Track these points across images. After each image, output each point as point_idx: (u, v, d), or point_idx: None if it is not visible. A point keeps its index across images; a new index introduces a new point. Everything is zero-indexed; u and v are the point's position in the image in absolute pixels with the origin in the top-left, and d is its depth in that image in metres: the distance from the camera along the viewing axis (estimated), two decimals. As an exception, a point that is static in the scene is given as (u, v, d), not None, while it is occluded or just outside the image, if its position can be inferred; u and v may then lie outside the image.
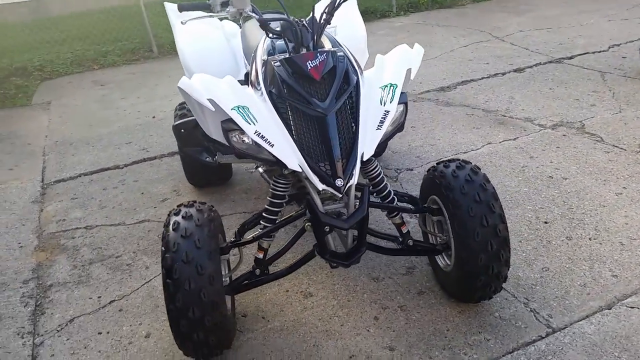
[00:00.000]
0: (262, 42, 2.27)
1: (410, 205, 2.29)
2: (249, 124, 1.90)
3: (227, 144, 2.01)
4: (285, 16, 2.10)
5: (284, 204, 2.17)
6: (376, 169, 2.17)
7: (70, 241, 3.07)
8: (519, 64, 5.27)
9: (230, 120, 1.92)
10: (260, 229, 2.15)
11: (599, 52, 5.38)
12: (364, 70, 2.16)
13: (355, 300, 2.38)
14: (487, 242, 1.97)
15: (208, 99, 1.92)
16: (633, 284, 2.30)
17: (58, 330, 2.39)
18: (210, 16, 2.12)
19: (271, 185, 2.14)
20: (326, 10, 2.14)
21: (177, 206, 2.04)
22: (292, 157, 1.89)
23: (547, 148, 3.55)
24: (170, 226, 1.91)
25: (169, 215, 2.00)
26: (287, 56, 1.99)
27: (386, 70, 2.08)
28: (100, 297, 2.58)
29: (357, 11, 3.25)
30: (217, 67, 2.97)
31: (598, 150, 3.44)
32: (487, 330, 2.14)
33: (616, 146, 3.47)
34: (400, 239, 2.25)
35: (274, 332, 2.25)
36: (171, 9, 3.18)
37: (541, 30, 6.39)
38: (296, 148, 1.89)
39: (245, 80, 2.55)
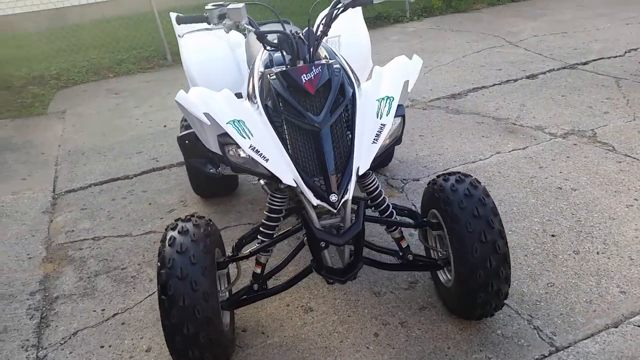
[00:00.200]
0: (259, 55, 2.27)
1: (409, 220, 2.26)
2: (244, 138, 1.89)
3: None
4: (282, 28, 2.10)
5: (282, 218, 2.16)
6: (374, 183, 2.15)
7: (78, 252, 3.11)
8: (531, 70, 5.19)
9: (227, 134, 1.92)
10: (258, 243, 2.14)
11: (615, 57, 5.28)
12: (365, 81, 2.15)
13: (355, 315, 2.36)
14: (486, 259, 1.93)
15: (204, 113, 1.93)
16: (641, 301, 2.24)
17: (61, 344, 2.41)
18: (207, 29, 2.12)
19: (268, 199, 2.14)
20: (323, 22, 2.14)
21: (175, 220, 2.04)
22: (286, 172, 1.88)
23: (557, 158, 3.48)
24: (167, 241, 1.92)
25: (166, 229, 2.01)
26: (283, 69, 1.99)
27: (383, 82, 2.06)
28: (104, 309, 2.60)
29: (361, 20, 3.23)
30: (221, 78, 2.98)
31: (609, 160, 3.36)
32: (489, 349, 2.09)
33: (628, 155, 3.39)
34: (401, 254, 2.22)
35: (273, 347, 2.24)
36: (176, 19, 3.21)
37: (556, 35, 6.29)
38: (291, 162, 1.88)
39: None
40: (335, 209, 1.86)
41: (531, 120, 4.11)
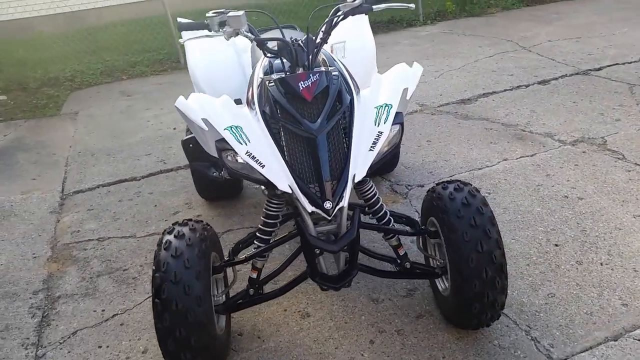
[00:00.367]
0: (260, 61, 2.28)
1: (407, 227, 2.24)
2: (241, 144, 1.90)
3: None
4: (288, 34, 2.10)
5: (278, 224, 2.16)
6: (371, 190, 2.14)
7: (82, 253, 3.14)
8: (543, 75, 5.13)
9: (224, 139, 1.93)
10: (254, 248, 2.15)
11: (630, 63, 5.19)
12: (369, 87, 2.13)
13: (352, 322, 2.34)
14: (481, 269, 1.91)
15: (202, 119, 1.94)
16: (644, 314, 2.19)
17: (60, 343, 2.44)
18: (208, 36, 2.14)
19: (265, 205, 2.14)
20: (323, 29, 2.14)
21: (172, 224, 2.06)
22: (282, 178, 1.88)
23: (564, 165, 3.43)
24: (162, 245, 1.93)
25: (163, 233, 2.02)
26: (281, 76, 1.99)
27: (382, 90, 2.05)
28: (104, 310, 2.63)
29: (367, 26, 3.22)
30: (226, 83, 2.99)
31: (618, 169, 3.30)
32: (484, 359, 2.07)
33: (638, 164, 3.32)
34: (398, 261, 2.20)
35: (268, 352, 2.24)
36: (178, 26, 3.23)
37: (570, 40, 6.21)
38: (287, 169, 1.88)
39: None
40: (330, 216, 1.85)
41: (541, 126, 4.06)
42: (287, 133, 1.92)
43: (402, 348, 2.17)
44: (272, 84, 1.99)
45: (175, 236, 1.95)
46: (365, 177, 1.99)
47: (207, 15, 2.03)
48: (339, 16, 2.16)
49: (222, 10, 2.04)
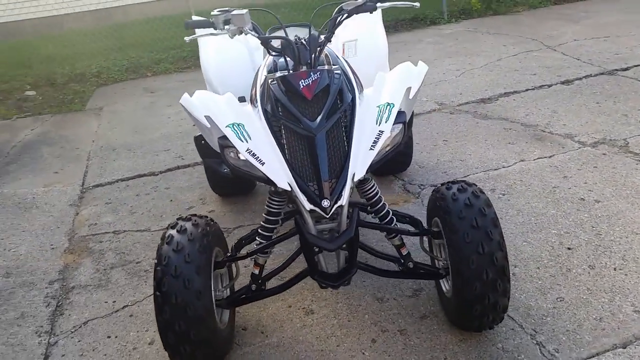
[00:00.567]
0: (265, 60, 2.30)
1: (410, 227, 2.23)
2: (242, 141, 1.92)
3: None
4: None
5: (280, 221, 2.18)
6: (373, 189, 2.13)
7: (98, 245, 3.22)
8: (567, 75, 5.01)
9: (226, 137, 1.95)
10: (256, 244, 2.16)
11: (659, 63, 5.03)
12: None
13: (355, 320, 2.34)
14: (482, 271, 1.88)
15: (205, 116, 1.97)
16: (655, 321, 2.13)
17: (72, 332, 2.51)
18: (213, 34, 2.16)
19: (266, 202, 2.15)
20: (326, 28, 2.14)
21: (177, 219, 2.09)
22: (282, 176, 1.90)
23: (583, 167, 3.35)
24: (165, 239, 1.97)
25: (167, 228, 2.06)
26: (283, 74, 2.00)
27: (385, 88, 2.04)
28: (115, 301, 2.69)
29: (380, 23, 3.20)
30: (238, 80, 3.01)
31: (639, 172, 3.21)
32: (486, 362, 2.04)
33: (660, 167, 3.22)
34: (402, 261, 2.19)
35: (271, 347, 2.25)
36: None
37: (597, 39, 6.05)
38: (287, 167, 1.90)
39: None
40: (327, 214, 1.85)
41: (561, 127, 3.97)
42: (287, 131, 1.93)
43: (404, 348, 2.16)
44: (274, 82, 2.00)
45: (177, 231, 1.98)
46: (366, 176, 1.99)
47: (211, 13, 2.05)
48: (343, 14, 2.15)
49: (226, 8, 2.06)
